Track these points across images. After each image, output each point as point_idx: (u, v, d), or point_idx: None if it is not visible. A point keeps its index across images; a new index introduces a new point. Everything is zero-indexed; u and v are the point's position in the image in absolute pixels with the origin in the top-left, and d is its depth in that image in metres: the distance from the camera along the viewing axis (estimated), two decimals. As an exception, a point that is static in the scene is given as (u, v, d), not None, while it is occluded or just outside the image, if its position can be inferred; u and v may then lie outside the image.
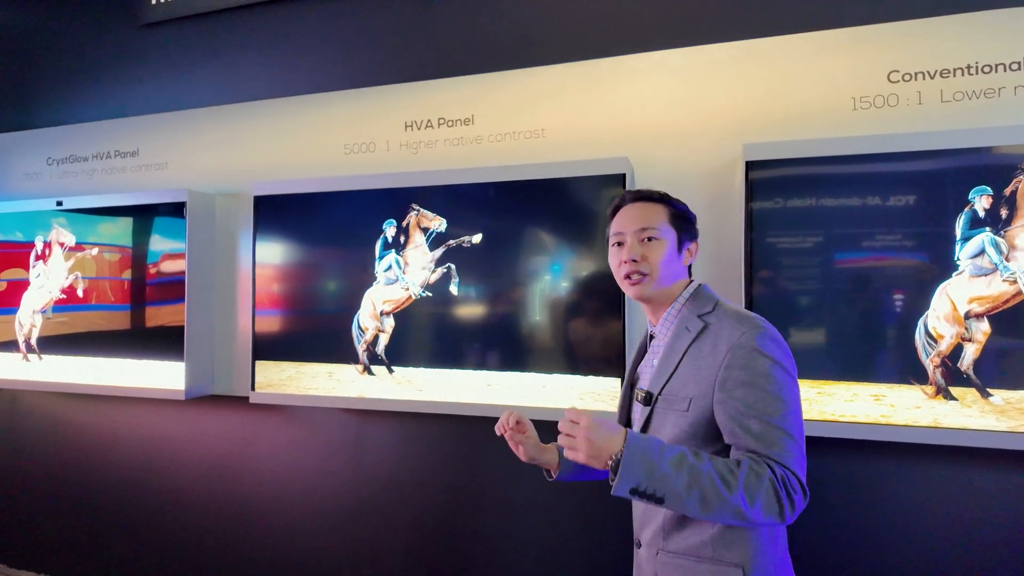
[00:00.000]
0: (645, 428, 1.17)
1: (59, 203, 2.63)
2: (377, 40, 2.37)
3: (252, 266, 2.32)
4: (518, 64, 2.14)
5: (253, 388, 2.31)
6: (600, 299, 1.91)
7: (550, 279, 2.00)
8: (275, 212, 2.30)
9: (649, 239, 1.17)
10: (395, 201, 2.15)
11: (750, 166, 1.76)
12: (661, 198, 1.21)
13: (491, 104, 2.16)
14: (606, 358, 1.89)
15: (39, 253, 2.69)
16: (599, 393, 1.90)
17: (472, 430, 2.17)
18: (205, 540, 2.55)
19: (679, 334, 1.15)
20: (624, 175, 1.88)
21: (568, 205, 1.97)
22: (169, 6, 2.65)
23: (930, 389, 1.62)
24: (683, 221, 1.21)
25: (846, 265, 1.70)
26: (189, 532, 2.58)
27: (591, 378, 1.91)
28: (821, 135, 1.78)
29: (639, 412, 1.20)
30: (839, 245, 1.70)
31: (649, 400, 1.16)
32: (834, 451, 1.76)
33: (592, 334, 1.92)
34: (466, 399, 2.04)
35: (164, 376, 2.43)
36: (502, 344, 2.02)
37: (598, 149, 2.02)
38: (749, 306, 1.74)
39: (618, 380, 1.87)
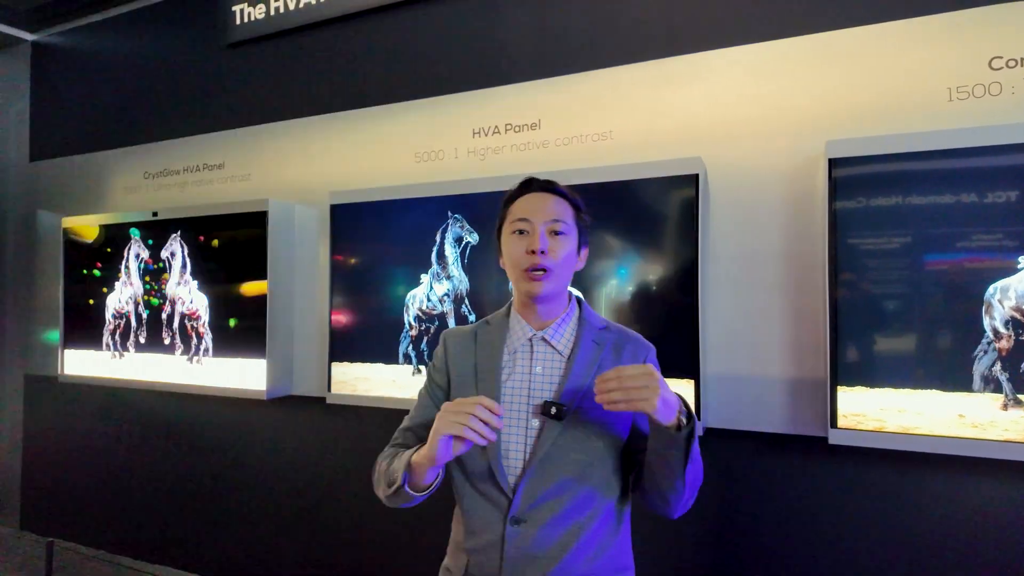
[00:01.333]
0: (551, 443, 1.05)
1: (154, 214, 2.84)
2: (445, 50, 2.42)
3: (329, 272, 2.42)
4: (583, 67, 2.13)
5: (329, 389, 2.40)
6: (671, 302, 1.87)
7: (617, 283, 1.97)
8: (350, 220, 2.39)
9: (557, 233, 1.10)
10: (463, 207, 2.19)
11: (833, 164, 1.68)
12: (569, 195, 1.15)
13: (557, 108, 2.16)
14: (678, 361, 1.84)
15: (138, 256, 2.92)
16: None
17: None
18: (281, 537, 2.68)
19: (588, 347, 1.11)
20: (696, 175, 1.83)
21: (638, 208, 1.94)
22: (252, 26, 2.81)
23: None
24: (583, 223, 1.16)
25: (938, 267, 1.58)
26: (268, 529, 2.71)
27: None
28: (912, 129, 1.67)
29: (527, 425, 1.08)
30: (930, 245, 1.59)
31: (560, 413, 1.04)
32: (923, 467, 1.65)
33: (662, 337, 1.88)
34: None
35: (247, 377, 2.57)
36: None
37: (669, 150, 1.98)
38: (834, 311, 1.66)
39: (691, 382, 1.82)
